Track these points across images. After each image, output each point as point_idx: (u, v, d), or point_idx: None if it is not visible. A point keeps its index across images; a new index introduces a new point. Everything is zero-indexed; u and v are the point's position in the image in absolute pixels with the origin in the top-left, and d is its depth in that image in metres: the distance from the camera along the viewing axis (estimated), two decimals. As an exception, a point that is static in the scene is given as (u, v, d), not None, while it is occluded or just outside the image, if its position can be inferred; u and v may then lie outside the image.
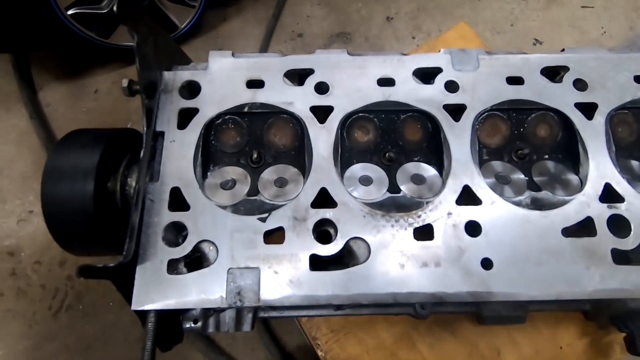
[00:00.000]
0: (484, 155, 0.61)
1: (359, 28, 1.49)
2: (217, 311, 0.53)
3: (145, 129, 0.53)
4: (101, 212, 0.54)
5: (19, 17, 1.05)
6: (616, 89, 0.60)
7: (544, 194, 0.56)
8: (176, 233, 0.53)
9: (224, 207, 0.53)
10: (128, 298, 0.50)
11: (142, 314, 0.51)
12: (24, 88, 1.32)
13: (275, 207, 0.54)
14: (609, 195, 0.55)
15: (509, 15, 1.52)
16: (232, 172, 0.58)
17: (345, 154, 0.60)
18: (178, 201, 0.53)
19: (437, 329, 0.81)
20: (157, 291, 0.50)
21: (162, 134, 0.56)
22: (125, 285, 0.50)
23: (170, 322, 0.72)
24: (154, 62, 0.57)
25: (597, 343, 0.80)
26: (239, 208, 0.55)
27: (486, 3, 1.54)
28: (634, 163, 0.59)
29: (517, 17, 1.51)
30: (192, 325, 0.76)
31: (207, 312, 0.75)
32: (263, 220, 0.52)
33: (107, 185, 0.56)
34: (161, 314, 0.51)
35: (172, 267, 0.51)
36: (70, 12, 1.06)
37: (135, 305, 0.49)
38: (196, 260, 0.53)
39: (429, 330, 0.80)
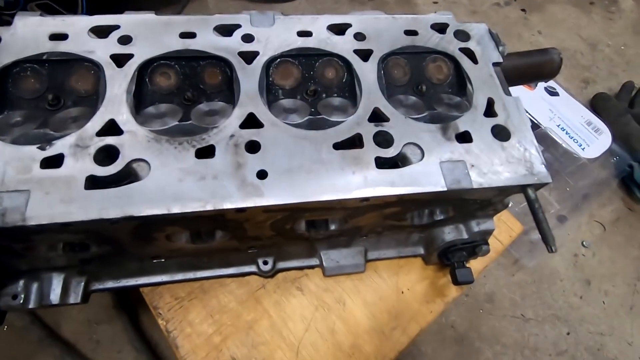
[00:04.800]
0: (279, 95, 0.68)
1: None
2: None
3: None
4: None
5: None
6: (389, 39, 0.71)
7: (321, 118, 0.63)
8: (-53, 166, 0.52)
9: (3, 140, 0.54)
10: None
11: None
12: None
13: (58, 138, 0.55)
14: (376, 116, 0.63)
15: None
16: (25, 114, 0.59)
17: (147, 97, 0.64)
18: (-47, 136, 0.53)
19: (284, 287, 0.82)
20: None
21: (-52, 80, 0.57)
22: None
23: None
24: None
25: (435, 285, 0.86)
26: (19, 140, 0.55)
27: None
28: (402, 96, 0.69)
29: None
30: (11, 301, 0.72)
31: (28, 284, 0.71)
32: (43, 148, 0.53)
33: None
34: None
35: None
36: None
37: None
38: (-31, 194, 0.52)
39: (277, 288, 0.82)
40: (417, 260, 0.87)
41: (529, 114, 1.40)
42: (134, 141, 0.56)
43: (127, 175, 0.55)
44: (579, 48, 1.89)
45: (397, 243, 0.83)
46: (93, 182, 0.52)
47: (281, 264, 0.80)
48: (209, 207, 0.52)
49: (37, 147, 0.53)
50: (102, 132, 0.56)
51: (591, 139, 1.39)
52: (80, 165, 0.53)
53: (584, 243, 1.40)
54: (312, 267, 0.82)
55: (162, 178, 0.53)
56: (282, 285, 0.81)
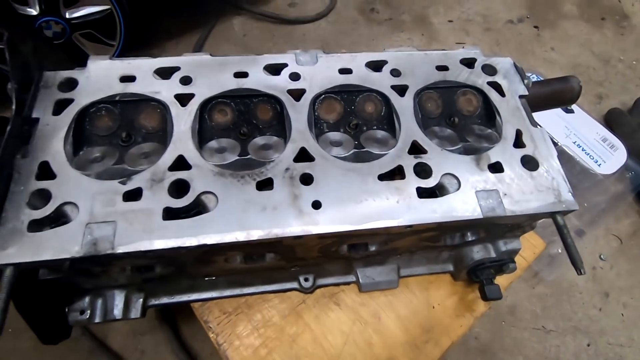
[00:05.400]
0: (324, 129, 0.74)
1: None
2: (79, 263, 0.57)
3: (13, 114, 0.60)
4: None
5: None
6: (423, 75, 0.78)
7: (365, 152, 0.69)
8: (42, 199, 0.59)
9: (88, 175, 0.61)
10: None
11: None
12: None
13: (136, 172, 0.62)
14: (415, 149, 0.69)
15: (398, 50, 1.82)
16: (103, 150, 0.66)
17: (207, 132, 0.71)
18: (46, 173, 0.60)
19: (323, 302, 0.88)
20: (16, 248, 0.54)
21: (37, 120, 0.64)
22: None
23: (54, 314, 0.74)
24: (32, 61, 0.66)
25: (464, 300, 0.91)
26: (102, 175, 0.62)
27: (379, 42, 1.84)
28: (437, 128, 0.75)
29: (405, 52, 1.82)
30: (79, 316, 0.78)
31: (93, 301, 0.78)
32: (124, 182, 0.60)
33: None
34: (22, 273, 0.55)
35: (34, 227, 0.56)
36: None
37: (-8, 261, 0.53)
38: (61, 224, 0.59)
39: (316, 303, 0.87)
40: (446, 277, 0.92)
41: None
42: (202, 175, 0.62)
43: (196, 206, 0.61)
44: (591, 63, 1.94)
45: (427, 261, 0.88)
46: (168, 213, 0.59)
47: (320, 281, 0.85)
48: (272, 236, 0.58)
49: (119, 182, 0.60)
50: (173, 167, 0.62)
51: (607, 155, 1.43)
52: (157, 198, 0.59)
53: (602, 256, 1.44)
54: (348, 283, 0.87)
55: (228, 209, 0.60)
56: (320, 300, 0.87)
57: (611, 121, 1.68)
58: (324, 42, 1.77)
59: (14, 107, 0.61)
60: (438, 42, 1.87)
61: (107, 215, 0.57)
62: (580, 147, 1.44)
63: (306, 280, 0.84)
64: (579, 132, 1.46)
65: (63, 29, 1.28)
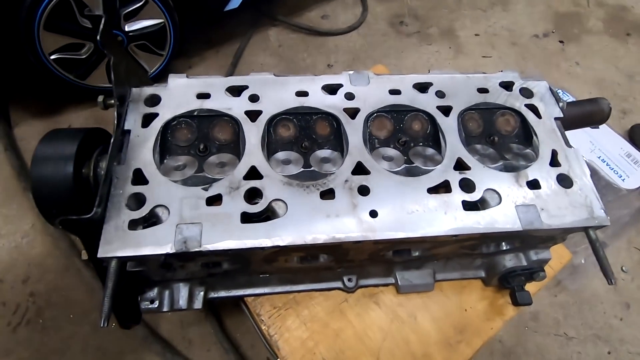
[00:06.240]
0: (375, 144, 0.82)
1: (305, 73, 1.78)
2: (168, 258, 0.66)
3: (115, 126, 0.70)
4: (78, 190, 0.69)
5: (5, 62, 1.23)
6: (465, 96, 0.85)
7: (415, 167, 0.77)
8: (137, 202, 0.68)
9: (175, 182, 0.70)
10: (94, 252, 0.63)
11: (102, 270, 0.64)
12: (0, 124, 1.46)
13: (216, 180, 0.71)
14: (460, 165, 0.76)
15: (426, 62, 1.88)
16: (184, 159, 0.76)
17: (272, 145, 0.79)
18: (139, 178, 0.69)
19: (363, 301, 0.95)
20: (119, 243, 0.63)
21: (129, 131, 0.74)
22: (92, 242, 0.63)
23: (128, 302, 0.84)
24: (125, 79, 0.76)
25: (494, 304, 0.98)
26: (187, 182, 0.71)
27: (408, 54, 1.90)
28: (478, 146, 0.82)
29: (432, 64, 1.88)
30: (149, 305, 0.88)
31: (161, 292, 0.87)
32: (206, 189, 0.69)
33: (82, 171, 0.71)
34: (122, 265, 0.64)
35: (133, 226, 0.65)
36: (53, 57, 1.25)
37: (100, 254, 0.62)
38: (153, 224, 0.68)
39: (357, 302, 0.95)
40: (477, 282, 0.98)
41: (571, 146, 1.50)
42: (272, 184, 0.71)
43: (267, 212, 0.70)
44: (615, 79, 1.97)
45: (461, 267, 0.95)
46: (244, 217, 0.67)
47: (362, 282, 0.93)
48: (335, 240, 0.66)
49: (202, 188, 0.69)
50: (247, 176, 0.71)
51: (631, 170, 1.48)
52: (234, 203, 0.68)
53: (623, 268, 1.48)
54: (387, 284, 0.95)
55: (296, 215, 0.68)
56: (361, 299, 0.95)
57: (635, 136, 1.72)
58: (355, 53, 1.86)
59: (115, 121, 0.70)
60: (465, 55, 1.94)
61: (194, 218, 0.66)
62: (604, 161, 1.48)
63: (349, 280, 0.92)
64: (604, 147, 1.50)
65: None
